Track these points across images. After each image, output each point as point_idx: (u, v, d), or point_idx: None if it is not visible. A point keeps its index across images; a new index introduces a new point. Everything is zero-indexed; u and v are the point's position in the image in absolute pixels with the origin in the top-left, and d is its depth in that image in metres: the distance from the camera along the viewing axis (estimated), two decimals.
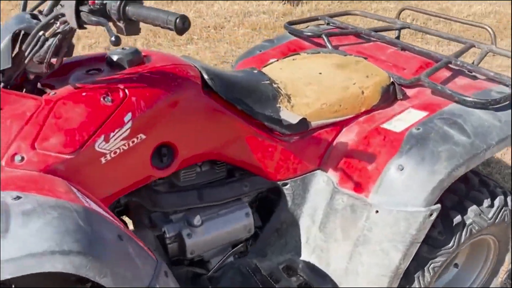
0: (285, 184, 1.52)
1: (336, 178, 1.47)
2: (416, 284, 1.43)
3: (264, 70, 1.65)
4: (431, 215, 1.27)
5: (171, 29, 0.87)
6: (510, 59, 1.69)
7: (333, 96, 1.52)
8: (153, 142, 1.21)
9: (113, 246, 0.85)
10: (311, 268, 1.57)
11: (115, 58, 1.22)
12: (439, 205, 1.28)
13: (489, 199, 1.48)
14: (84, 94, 1.10)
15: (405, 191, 1.28)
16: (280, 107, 1.46)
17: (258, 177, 1.50)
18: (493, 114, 1.40)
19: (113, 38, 0.89)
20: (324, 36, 1.89)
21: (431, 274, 1.43)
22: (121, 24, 0.93)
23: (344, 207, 1.41)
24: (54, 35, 1.01)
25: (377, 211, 1.31)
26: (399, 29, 2.06)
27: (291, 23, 2.10)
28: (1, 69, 1.05)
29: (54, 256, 0.76)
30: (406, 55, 1.81)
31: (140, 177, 1.21)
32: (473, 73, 1.68)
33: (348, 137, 1.52)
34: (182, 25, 0.87)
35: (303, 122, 1.45)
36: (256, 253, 1.60)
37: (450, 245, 1.41)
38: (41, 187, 0.88)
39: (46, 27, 1.02)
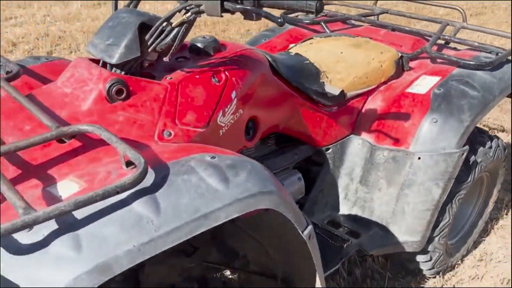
0: (328, 149, 1.77)
1: (372, 138, 1.75)
2: (446, 215, 1.76)
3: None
4: (462, 154, 1.60)
5: (311, 12, 1.07)
6: (478, 33, 2.09)
7: (360, 70, 1.79)
8: (247, 116, 1.39)
9: (285, 191, 1.04)
10: (354, 218, 1.84)
11: (201, 46, 1.38)
12: (467, 147, 1.62)
13: (489, 142, 1.86)
14: (197, 76, 1.25)
15: (441, 139, 1.60)
16: (323, 82, 1.70)
17: (305, 145, 1.74)
18: (490, 73, 1.77)
19: (280, 20, 1.07)
20: (322, 23, 2.16)
21: (457, 205, 1.77)
22: (253, 9, 1.09)
23: (386, 160, 1.69)
24: (180, 24, 1.15)
25: (419, 158, 1.61)
26: (379, 15, 2.39)
27: (285, 13, 2.33)
28: (130, 58, 1.16)
29: (264, 195, 0.94)
30: (397, 34, 2.14)
31: (238, 147, 1.39)
32: (453, 46, 2.06)
33: (375, 104, 1.81)
34: (321, 7, 1.07)
35: (342, 93, 1.71)
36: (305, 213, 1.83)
37: (468, 179, 1.77)
38: (215, 150, 1.03)
39: (169, 18, 1.16)
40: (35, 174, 0.96)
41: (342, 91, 1.71)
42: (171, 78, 1.22)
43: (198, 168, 0.91)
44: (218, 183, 0.90)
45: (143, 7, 5.23)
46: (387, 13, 2.40)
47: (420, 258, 1.89)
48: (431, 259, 1.90)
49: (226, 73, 1.31)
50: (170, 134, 1.13)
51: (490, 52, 1.90)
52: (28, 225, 0.70)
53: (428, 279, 1.99)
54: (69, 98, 1.13)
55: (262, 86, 1.44)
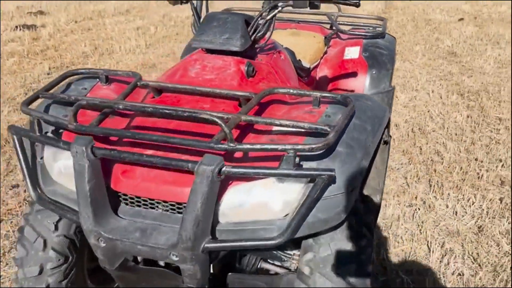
0: None
1: None
2: None
3: None
4: (394, 89, 2.44)
5: (354, 5, 1.65)
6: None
7: (310, 49, 2.44)
8: None
9: None
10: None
11: None
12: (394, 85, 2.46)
13: None
14: (274, 56, 1.73)
15: (381, 83, 2.34)
16: (299, 59, 2.31)
17: None
18: (383, 39, 2.64)
19: (358, 3, 1.59)
20: None
21: None
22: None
23: None
24: (270, 18, 1.61)
25: None
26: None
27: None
28: (247, 46, 1.54)
29: None
30: (304, 25, 2.88)
31: None
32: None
33: (325, 72, 2.50)
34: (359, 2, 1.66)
35: (309, 67, 2.36)
36: None
37: None
38: None
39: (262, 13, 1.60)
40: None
41: (310, 66, 2.36)
42: (261, 60, 1.66)
43: None
44: None
45: None
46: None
47: None
48: None
49: (282, 53, 1.81)
50: None
51: (370, 28, 2.81)
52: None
53: None
54: (217, 81, 1.47)
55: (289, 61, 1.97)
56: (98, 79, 1.52)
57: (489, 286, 2.07)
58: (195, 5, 1.71)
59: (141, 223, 1.23)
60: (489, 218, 2.50)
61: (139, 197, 1.26)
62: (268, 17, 1.57)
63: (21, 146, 1.32)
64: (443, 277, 2.11)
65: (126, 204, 1.29)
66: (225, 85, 1.43)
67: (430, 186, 2.81)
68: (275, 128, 1.30)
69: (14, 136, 1.32)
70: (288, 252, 1.54)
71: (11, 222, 2.46)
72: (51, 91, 1.44)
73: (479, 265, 2.18)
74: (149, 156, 1.15)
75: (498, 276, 2.10)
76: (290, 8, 1.56)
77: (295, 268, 1.51)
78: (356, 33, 2.44)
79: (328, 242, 1.33)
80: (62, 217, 1.45)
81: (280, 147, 1.11)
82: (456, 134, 3.51)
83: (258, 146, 1.12)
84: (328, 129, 1.15)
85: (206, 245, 1.16)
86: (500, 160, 3.11)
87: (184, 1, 1.76)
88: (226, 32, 1.50)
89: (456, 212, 2.57)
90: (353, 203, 1.24)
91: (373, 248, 1.39)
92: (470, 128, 3.62)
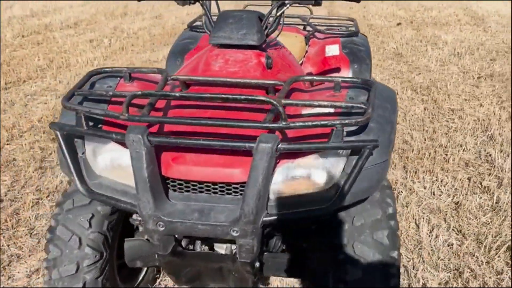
0: None
1: None
2: None
3: None
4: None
5: (355, 1, 1.81)
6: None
7: (296, 48, 2.60)
8: None
9: None
10: None
11: None
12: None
13: None
14: (281, 49, 1.85)
15: (362, 76, 2.59)
16: None
17: None
18: (357, 37, 2.84)
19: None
20: None
21: None
22: None
23: None
24: (280, 15, 1.73)
25: None
26: None
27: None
28: (263, 40, 1.65)
29: None
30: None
31: None
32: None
33: (308, 68, 2.66)
34: None
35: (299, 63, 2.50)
36: None
37: None
38: None
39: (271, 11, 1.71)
40: None
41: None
42: (272, 53, 1.78)
43: None
44: None
45: None
46: None
47: None
48: None
49: (285, 49, 1.93)
50: None
51: (343, 28, 3.01)
52: None
53: None
54: (241, 73, 1.56)
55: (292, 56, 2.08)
56: (120, 78, 1.56)
57: (475, 252, 2.29)
58: (206, 4, 1.80)
59: (195, 205, 1.29)
60: (463, 195, 2.76)
61: (188, 182, 1.32)
62: (278, 14, 1.69)
63: (65, 142, 1.34)
64: (435, 248, 2.31)
65: (175, 190, 1.34)
66: (249, 77, 1.52)
67: (406, 171, 3.04)
68: (303, 111, 1.42)
69: (58, 133, 1.33)
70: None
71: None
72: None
73: (464, 236, 2.41)
74: (206, 139, 1.22)
75: (482, 244, 2.33)
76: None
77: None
78: (333, 32, 2.62)
79: (360, 212, 1.46)
80: (115, 207, 1.48)
81: (329, 122, 1.22)
82: (418, 125, 3.80)
83: (309, 123, 1.23)
84: (364, 106, 1.28)
85: (264, 218, 1.25)
86: (461, 146, 3.41)
87: (193, 2, 1.85)
88: (243, 28, 1.60)
89: (433, 192, 2.81)
90: (387, 173, 1.38)
91: (396, 214, 1.53)
92: (429, 119, 3.93)
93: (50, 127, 1.36)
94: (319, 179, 1.30)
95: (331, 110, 1.36)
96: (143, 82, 1.59)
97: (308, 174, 1.29)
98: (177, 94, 1.30)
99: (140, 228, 1.70)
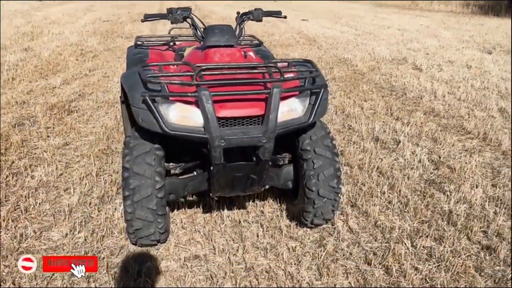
0: None
1: None
2: None
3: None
4: None
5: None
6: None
7: None
8: None
9: None
10: None
11: None
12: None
13: None
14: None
15: None
16: None
17: None
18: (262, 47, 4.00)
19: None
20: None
21: None
22: None
23: None
24: (242, 26, 2.79)
25: None
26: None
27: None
28: (237, 43, 2.68)
29: None
30: None
31: None
32: None
33: None
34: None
35: None
36: None
37: None
38: None
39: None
40: None
41: None
42: (243, 49, 2.80)
43: None
44: None
45: None
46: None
47: None
48: None
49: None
50: None
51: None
52: None
53: None
54: (232, 61, 2.56)
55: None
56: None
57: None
58: (193, 20, 2.77)
59: (239, 129, 2.25)
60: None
61: (228, 119, 2.27)
62: (241, 26, 2.79)
63: (153, 104, 2.17)
64: None
65: (225, 125, 2.27)
66: (237, 62, 2.56)
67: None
68: (286, 76, 2.48)
69: (147, 97, 2.16)
70: (281, 155, 2.74)
71: None
72: None
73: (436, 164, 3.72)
74: (243, 90, 2.22)
75: None
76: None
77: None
78: (244, 45, 3.74)
79: (314, 132, 2.61)
80: (190, 138, 2.29)
81: (305, 75, 2.35)
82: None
83: (296, 76, 2.33)
84: (314, 69, 2.44)
85: (277, 131, 2.29)
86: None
87: (181, 21, 2.80)
88: (225, 35, 2.61)
89: None
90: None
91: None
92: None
93: (141, 95, 2.18)
94: (299, 110, 2.39)
95: (298, 74, 2.47)
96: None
97: (294, 107, 2.37)
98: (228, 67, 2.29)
99: (172, 171, 2.57)
